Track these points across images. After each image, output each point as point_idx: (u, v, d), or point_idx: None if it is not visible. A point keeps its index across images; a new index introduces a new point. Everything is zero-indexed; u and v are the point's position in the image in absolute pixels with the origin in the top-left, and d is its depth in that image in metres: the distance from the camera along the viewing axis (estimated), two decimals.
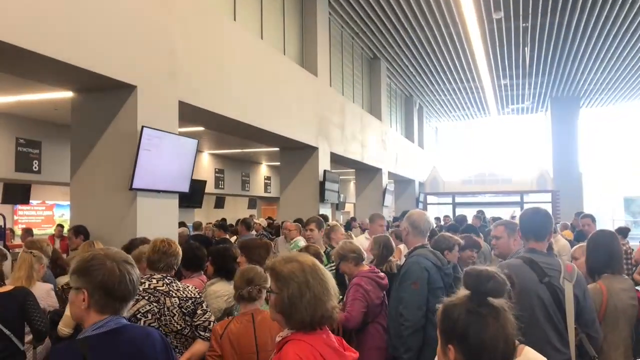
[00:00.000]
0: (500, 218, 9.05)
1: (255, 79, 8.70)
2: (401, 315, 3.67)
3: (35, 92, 7.92)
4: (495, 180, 23.36)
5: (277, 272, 2.07)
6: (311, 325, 2.00)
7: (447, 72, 17.59)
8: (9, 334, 3.38)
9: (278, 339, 2.07)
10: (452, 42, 14.41)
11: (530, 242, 3.15)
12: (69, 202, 6.34)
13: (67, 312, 3.66)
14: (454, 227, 7.93)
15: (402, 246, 6.64)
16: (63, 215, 16.02)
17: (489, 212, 15.36)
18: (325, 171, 11.47)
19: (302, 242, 6.62)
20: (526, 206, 19.96)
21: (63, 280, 4.70)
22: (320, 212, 10.27)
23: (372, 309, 4.17)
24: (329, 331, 2.08)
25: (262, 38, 9.64)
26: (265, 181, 19.76)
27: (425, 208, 21.74)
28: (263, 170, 19.64)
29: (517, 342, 1.69)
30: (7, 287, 3.51)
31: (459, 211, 19.81)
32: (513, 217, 11.17)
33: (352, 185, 25.62)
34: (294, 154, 11.42)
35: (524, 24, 12.97)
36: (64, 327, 3.70)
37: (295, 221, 8.26)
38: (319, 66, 11.57)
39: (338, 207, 13.74)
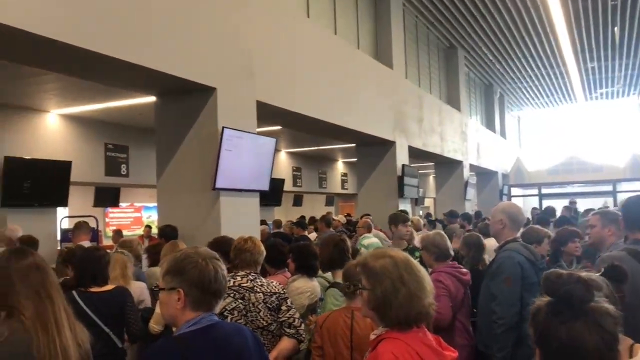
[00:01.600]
0: (593, 209, 8.52)
1: (330, 75, 8.66)
2: (494, 312, 3.51)
3: (121, 99, 8.27)
4: (584, 169, 22.14)
5: (368, 268, 2.01)
6: (407, 323, 1.92)
7: (529, 58, 16.85)
8: (109, 332, 3.48)
9: (372, 336, 2.01)
10: (533, 26, 13.76)
11: (636, 232, 2.90)
12: (156, 204, 6.54)
13: (158, 309, 3.75)
14: (543, 219, 7.54)
15: (488, 241, 6.40)
16: (150, 216, 16.72)
17: (580, 204, 14.54)
18: (403, 166, 11.28)
19: (369, 240, 6.46)
20: (619, 196, 18.81)
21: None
22: (400, 208, 10.09)
23: (454, 305, 4.01)
24: (426, 329, 1.99)
25: (335, 33, 9.59)
26: (342, 178, 19.74)
27: (509, 200, 20.95)
28: (339, 167, 19.63)
29: (631, 342, 1.52)
30: (108, 287, 3.63)
31: (546, 203, 18.93)
32: (605, 207, 10.51)
33: (431, 180, 25.13)
34: (370, 149, 11.31)
35: (612, 2, 12.15)
36: (155, 325, 3.79)
37: (362, 217, 8.14)
38: (394, 58, 11.39)
39: (417, 202, 13.50)
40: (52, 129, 9.17)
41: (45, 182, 8.25)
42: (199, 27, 5.73)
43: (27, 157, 8.22)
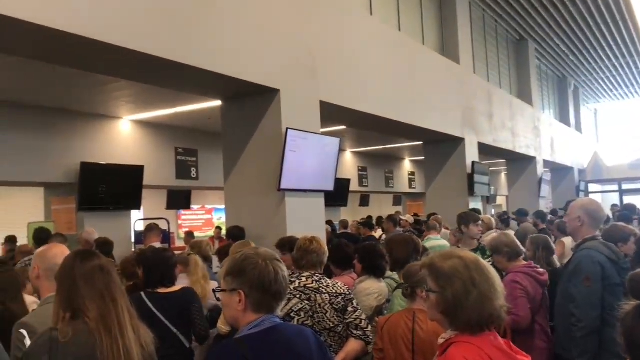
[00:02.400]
0: None
1: (395, 72, 8.53)
2: (573, 315, 3.32)
3: (189, 104, 8.48)
4: None
5: (436, 269, 1.92)
6: (478, 326, 1.84)
7: (606, 48, 15.99)
8: (176, 332, 3.53)
9: (441, 340, 1.93)
10: (610, 13, 13.04)
11: None
12: (224, 206, 6.64)
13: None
14: (626, 216, 7.09)
15: (566, 239, 6.08)
16: (221, 218, 17.09)
17: None
18: (473, 163, 10.98)
19: (433, 242, 6.25)
20: None
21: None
22: (471, 207, 9.80)
23: (533, 306, 3.82)
24: (496, 333, 1.90)
25: (399, 29, 9.44)
26: (410, 177, 19.46)
27: (587, 197, 19.95)
28: (407, 165, 19.37)
29: None
30: (176, 288, 3.68)
31: (627, 199, 17.89)
32: None
33: (503, 177, 24.37)
34: (438, 147, 11.10)
35: None
36: (223, 325, 3.81)
37: (429, 217, 7.92)
38: (460, 53, 11.11)
39: (489, 200, 13.10)
40: (125, 134, 9.54)
41: (119, 186, 8.58)
42: (262, 30, 5.77)
43: (102, 163, 8.57)
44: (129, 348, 1.96)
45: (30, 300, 3.29)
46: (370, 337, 3.30)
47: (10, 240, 8.54)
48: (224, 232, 12.11)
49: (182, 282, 4.04)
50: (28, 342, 2.13)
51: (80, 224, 8.33)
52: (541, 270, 4.01)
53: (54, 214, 8.92)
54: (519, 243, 4.12)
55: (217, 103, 6.72)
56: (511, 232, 5.23)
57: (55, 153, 8.27)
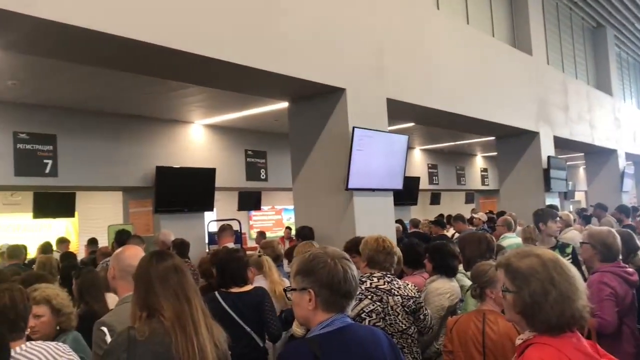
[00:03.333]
0: None
1: (464, 67, 8.33)
2: None
3: (257, 107, 8.63)
4: None
5: (513, 268, 1.85)
6: (559, 327, 1.76)
7: None
8: (250, 331, 3.57)
9: (518, 341, 1.87)
10: None
11: None
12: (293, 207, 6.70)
13: None
14: None
15: None
16: (290, 218, 17.27)
17: None
18: (549, 157, 10.56)
19: (509, 241, 5.98)
20: None
21: None
22: (547, 203, 9.41)
23: (621, 309, 3.58)
24: (579, 334, 1.80)
25: (468, 23, 9.21)
26: (482, 173, 18.96)
27: None
28: (478, 162, 18.89)
29: None
30: (248, 287, 3.73)
31: None
32: None
33: (581, 171, 23.28)
34: (512, 141, 10.78)
35: None
36: (298, 328, 3.81)
37: (499, 215, 7.63)
38: (533, 44, 10.72)
39: (567, 196, 12.54)
40: (196, 138, 9.83)
41: (192, 189, 8.85)
42: (330, 31, 5.80)
43: (176, 166, 8.87)
44: (203, 347, 1.99)
45: (112, 299, 3.42)
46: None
47: (92, 242, 8.99)
48: (294, 232, 12.24)
49: (260, 284, 4.09)
50: (108, 339, 2.21)
51: (156, 226, 8.65)
52: (630, 269, 3.75)
53: (132, 216, 9.32)
54: (620, 248, 3.80)
55: (285, 105, 6.78)
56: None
57: (132, 158, 8.64)
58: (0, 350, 1.94)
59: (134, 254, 2.55)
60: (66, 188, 8.41)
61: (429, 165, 16.10)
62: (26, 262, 6.98)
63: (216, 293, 3.60)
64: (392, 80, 6.60)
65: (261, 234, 12.02)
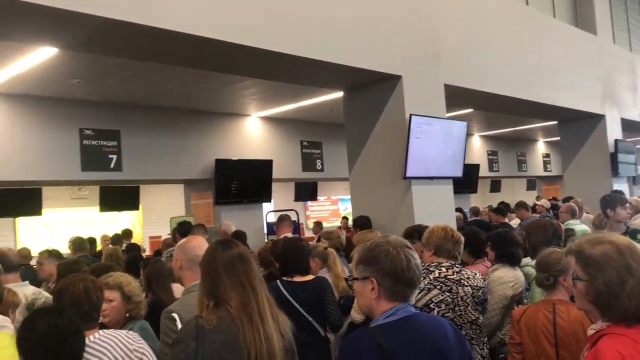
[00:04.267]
0: None
1: (524, 49, 8.09)
2: None
3: (312, 97, 8.65)
4: None
5: (585, 255, 1.77)
6: (635, 318, 1.67)
7: None
8: (311, 320, 3.60)
9: (591, 332, 1.78)
10: None
11: None
12: (350, 197, 6.70)
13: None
14: None
15: None
16: (347, 208, 17.28)
17: None
18: (616, 141, 10.13)
19: (575, 228, 5.72)
20: None
21: None
22: (614, 188, 9.01)
23: None
24: None
25: (527, 4, 8.91)
26: (544, 159, 18.37)
27: None
28: (540, 147, 18.31)
29: None
30: (310, 277, 3.75)
31: None
32: None
33: None
34: (575, 125, 10.41)
35: None
36: (356, 314, 3.82)
37: (564, 201, 7.32)
38: (597, 23, 10.29)
39: (635, 180, 11.96)
40: (253, 130, 9.96)
41: (250, 180, 9.00)
42: (384, 18, 5.74)
43: (234, 159, 9.03)
44: (270, 336, 2.01)
45: (177, 289, 3.51)
46: None
47: (126, 235, 8.97)
48: (350, 222, 12.23)
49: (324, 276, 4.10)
50: (176, 327, 2.26)
51: (217, 217, 8.85)
52: None
53: (193, 208, 9.56)
54: None
55: (339, 94, 6.77)
56: None
57: (192, 151, 8.85)
58: (77, 340, 2.02)
59: (200, 244, 2.60)
60: (130, 182, 8.70)
61: (489, 152, 15.75)
62: (92, 255, 7.25)
63: (278, 282, 3.64)
64: (449, 65, 6.47)
65: (318, 224, 12.09)
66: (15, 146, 7.13)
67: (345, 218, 13.40)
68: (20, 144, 7.18)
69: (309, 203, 16.72)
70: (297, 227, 9.18)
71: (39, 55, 5.75)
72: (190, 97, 8.21)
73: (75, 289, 2.32)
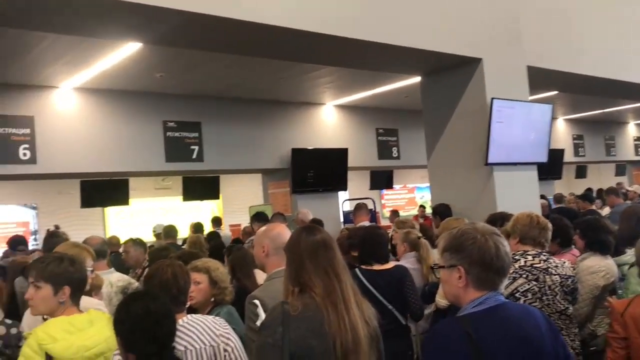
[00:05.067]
0: None
1: (613, 26, 7.64)
2: None
3: (387, 84, 8.57)
4: None
5: None
6: None
7: None
8: (392, 309, 3.58)
9: None
10: None
11: None
12: (427, 185, 6.58)
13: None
14: None
15: None
16: (423, 197, 17.06)
17: None
18: None
19: None
20: None
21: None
22: None
23: None
24: None
25: None
26: (635, 142, 17.31)
27: None
28: (631, 130, 17.26)
29: None
30: (389, 265, 3.74)
31: None
32: None
33: None
34: None
35: None
36: (441, 299, 3.76)
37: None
38: None
39: None
40: (328, 119, 9.99)
41: (326, 169, 9.05)
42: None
43: (309, 148, 9.10)
44: (355, 324, 2.00)
45: (260, 275, 3.56)
46: None
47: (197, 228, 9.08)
48: (428, 210, 12.04)
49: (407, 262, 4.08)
50: (260, 312, 2.31)
51: (294, 206, 8.96)
52: None
53: (271, 197, 9.73)
54: None
55: (415, 80, 6.67)
56: None
57: (270, 141, 9.01)
58: (168, 322, 2.10)
59: (284, 230, 2.64)
60: (211, 172, 8.96)
61: (574, 136, 15.03)
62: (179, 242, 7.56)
63: (357, 270, 3.64)
64: (532, 46, 6.22)
65: (394, 213, 12.00)
66: (103, 139, 7.49)
67: (422, 206, 13.24)
68: (108, 137, 7.54)
69: (385, 191, 16.62)
70: (373, 215, 9.16)
71: (124, 51, 6.01)
72: (266, 87, 8.34)
73: (164, 274, 2.40)
